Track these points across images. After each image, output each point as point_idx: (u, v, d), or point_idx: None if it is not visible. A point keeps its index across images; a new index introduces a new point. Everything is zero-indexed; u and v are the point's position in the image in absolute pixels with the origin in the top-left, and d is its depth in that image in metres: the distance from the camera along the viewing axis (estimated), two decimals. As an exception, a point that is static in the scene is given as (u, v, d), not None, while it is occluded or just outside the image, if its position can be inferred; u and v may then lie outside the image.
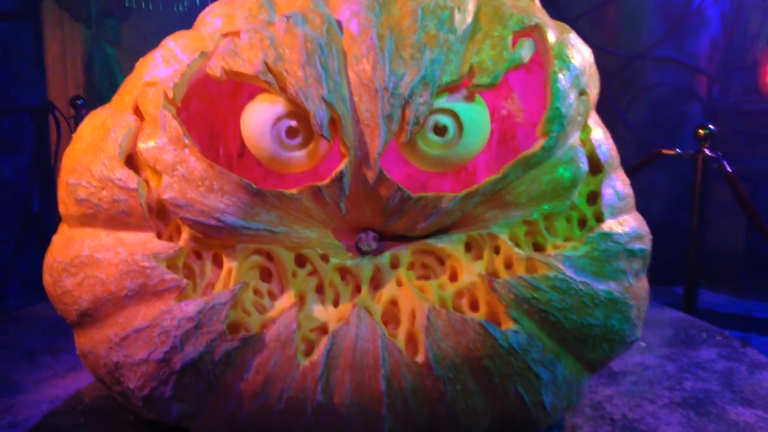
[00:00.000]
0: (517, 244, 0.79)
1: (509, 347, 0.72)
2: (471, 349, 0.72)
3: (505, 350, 0.72)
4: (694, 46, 2.82)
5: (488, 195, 0.77)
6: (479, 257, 0.79)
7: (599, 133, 0.85)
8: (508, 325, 0.73)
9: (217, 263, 0.77)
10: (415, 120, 0.74)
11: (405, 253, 0.79)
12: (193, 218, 0.74)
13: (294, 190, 0.75)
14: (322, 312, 0.76)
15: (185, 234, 0.76)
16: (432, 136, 0.77)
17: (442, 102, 0.76)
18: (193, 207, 0.74)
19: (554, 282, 0.74)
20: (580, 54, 0.82)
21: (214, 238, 0.75)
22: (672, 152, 1.70)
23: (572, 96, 0.78)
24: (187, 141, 0.75)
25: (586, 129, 0.83)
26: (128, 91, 0.82)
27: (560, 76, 0.78)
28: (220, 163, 0.93)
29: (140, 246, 0.74)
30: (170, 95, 0.76)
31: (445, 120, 0.77)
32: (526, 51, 0.77)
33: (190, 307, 0.71)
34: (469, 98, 0.77)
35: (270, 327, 0.73)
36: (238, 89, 0.90)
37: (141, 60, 0.85)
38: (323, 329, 0.76)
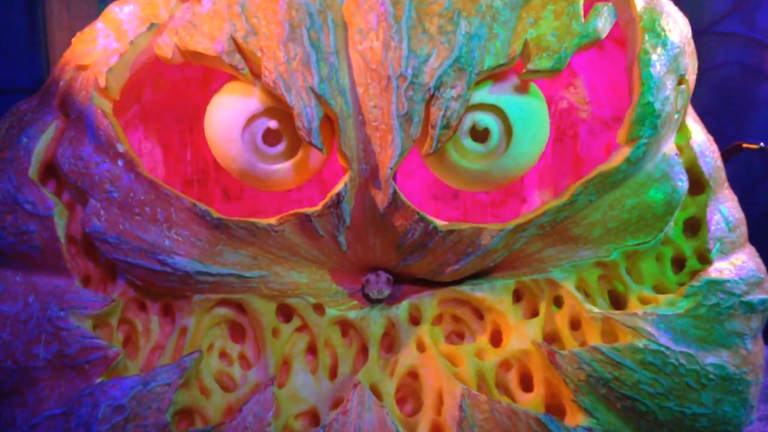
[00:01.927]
0: (588, 296, 0.56)
1: (579, 454, 0.50)
2: (523, 457, 0.50)
3: (572, 458, 0.50)
4: (765, 21, 2.52)
5: (547, 227, 0.54)
6: (533, 313, 0.57)
7: (700, 136, 0.61)
8: (578, 420, 0.51)
9: (170, 315, 0.56)
10: (445, 122, 0.51)
11: (429, 302, 0.57)
12: (127, 260, 0.52)
13: (272, 220, 0.53)
14: (312, 388, 0.55)
15: (124, 279, 0.55)
16: (468, 143, 0.54)
17: (484, 95, 0.53)
18: (129, 244, 0.52)
19: (645, 355, 0.52)
20: (677, 26, 0.58)
21: (160, 287, 0.54)
22: (755, 146, 1.45)
23: (669, 85, 0.55)
24: (121, 149, 0.53)
25: (683, 131, 0.60)
26: (56, 77, 0.61)
27: (653, 56, 0.54)
28: (191, 176, 0.71)
29: (56, 297, 0.53)
30: (102, 84, 0.54)
31: (486, 120, 0.54)
32: (603, 22, 0.54)
33: (121, 389, 0.50)
34: (522, 89, 0.55)
35: (236, 416, 0.51)
36: (210, 75, 0.67)
37: (78, 33, 0.63)
38: (312, 417, 0.54)
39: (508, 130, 0.54)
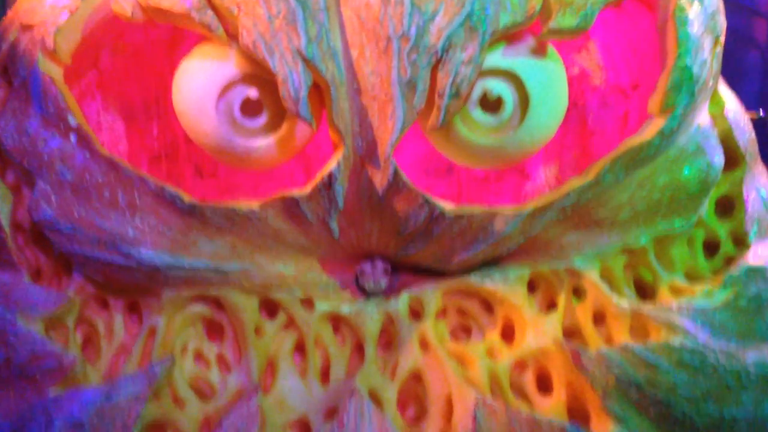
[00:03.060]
0: (612, 286, 0.50)
1: (609, 468, 0.44)
2: (546, 473, 0.44)
3: (602, 474, 0.44)
4: (753, -15, 2.47)
5: (569, 210, 0.48)
6: (551, 305, 0.50)
7: (733, 104, 0.55)
8: (607, 429, 0.45)
9: (136, 313, 0.49)
10: (454, 90, 0.44)
11: (433, 294, 0.50)
12: (84, 252, 0.45)
13: (254, 205, 0.46)
14: (301, 394, 0.48)
15: (81, 274, 0.47)
16: (478, 115, 0.47)
17: (497, 59, 0.46)
18: (85, 234, 0.45)
19: (682, 355, 0.45)
20: (711, -20, 0.51)
21: (123, 283, 0.47)
22: (753, 115, 1.39)
23: (706, 47, 0.48)
24: (74, 123, 0.45)
25: (716, 99, 0.53)
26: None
27: (689, 14, 0.47)
28: (159, 152, 0.63)
29: (1, 296, 0.45)
30: (50, 46, 0.46)
31: (500, 88, 0.47)
32: (632, -26, 0.47)
33: (79, 402, 0.43)
34: (539, 52, 0.48)
35: (216, 430, 0.44)
36: (179, 36, 0.59)
37: (26, -11, 0.55)
38: (303, 427, 0.47)
39: (523, 100, 0.48)
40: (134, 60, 0.59)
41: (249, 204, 0.46)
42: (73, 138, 0.45)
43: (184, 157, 0.66)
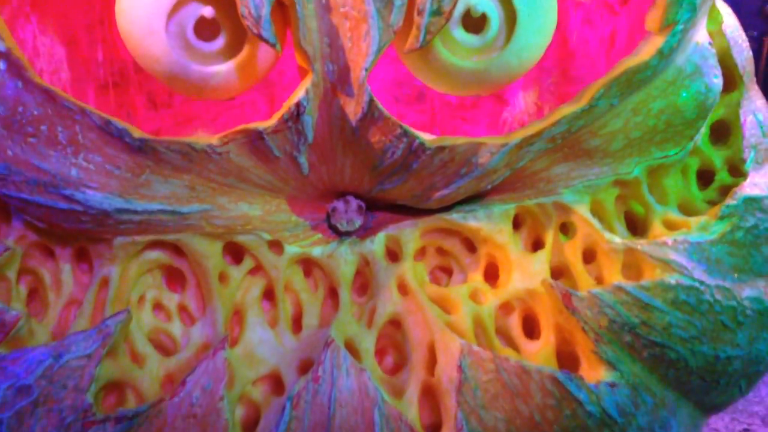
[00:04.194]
0: (603, 221, 0.46)
1: (602, 415, 0.42)
2: (537, 423, 0.41)
3: (595, 421, 0.41)
4: None
5: (559, 139, 0.44)
6: (537, 243, 0.47)
7: (731, 19, 0.51)
8: (599, 374, 0.42)
9: (86, 261, 0.44)
10: (435, 6, 0.39)
11: (411, 234, 0.47)
12: (21, 196, 0.40)
13: (213, 139, 0.41)
14: (272, 346, 0.44)
15: (21, 221, 0.42)
16: (460, 35, 0.43)
17: (481, -29, 0.41)
18: (22, 175, 0.39)
19: (678, 293, 0.43)
20: None
21: (69, 229, 0.42)
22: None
23: (708, -44, 0.44)
24: (3, 48, 0.40)
25: (714, 14, 0.49)
26: None
27: None
28: (106, 80, 0.58)
29: (-70, 248, 0.40)
30: (-32, -42, 0.40)
31: (485, 4, 0.42)
32: None
33: (26, 363, 0.39)
34: (527, -38, 0.43)
35: (179, 390, 0.40)
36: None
37: None
38: (275, 381, 0.44)
39: (510, 17, 0.43)
40: (72, -24, 0.53)
41: (207, 139, 0.41)
42: (2, 65, 0.39)
43: (135, 86, 0.60)
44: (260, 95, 0.64)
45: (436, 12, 0.39)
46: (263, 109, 0.61)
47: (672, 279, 0.43)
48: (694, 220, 0.45)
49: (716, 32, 0.48)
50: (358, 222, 0.46)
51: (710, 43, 0.46)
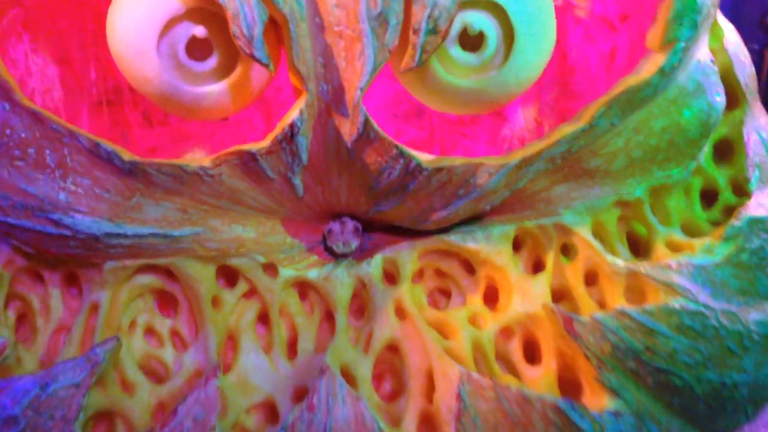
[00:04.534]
0: (605, 243, 0.45)
1: (605, 444, 0.40)
2: (539, 453, 0.40)
3: (598, 450, 0.40)
4: None
5: (559, 159, 0.43)
6: (538, 266, 0.46)
7: (733, 35, 0.50)
8: (602, 402, 0.41)
9: (76, 286, 0.43)
10: (431, 25, 0.38)
11: (409, 256, 0.46)
12: (8, 220, 0.39)
13: (205, 161, 0.40)
14: (266, 372, 0.43)
15: (8, 245, 0.41)
16: (457, 53, 0.42)
17: (478, -13, 0.41)
18: (9, 199, 0.39)
19: (682, 318, 0.41)
20: None
21: (58, 254, 0.41)
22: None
23: (710, -27, 0.43)
24: (-11, 70, 0.39)
25: (715, 30, 0.48)
26: None
27: (693, -66, 0.42)
28: (100, 98, 0.57)
29: None
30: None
31: (481, 22, 0.42)
32: None
33: (12, 393, 0.38)
34: (525, -21, 0.42)
35: (170, 419, 0.39)
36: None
37: None
38: (269, 410, 0.43)
39: (508, 35, 0.42)
40: (66, -6, 0.52)
41: (200, 161, 0.40)
42: (-12, 87, 0.39)
43: (129, 104, 0.60)
44: (257, 112, 0.63)
45: (432, 31, 0.39)
46: (260, 127, 0.60)
47: (676, 303, 0.42)
48: (698, 242, 0.44)
49: (718, 49, 0.48)
50: (354, 244, 0.45)
51: (712, 61, 0.46)
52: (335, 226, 0.45)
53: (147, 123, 0.61)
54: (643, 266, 0.43)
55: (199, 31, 0.40)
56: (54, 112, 0.52)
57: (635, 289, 0.43)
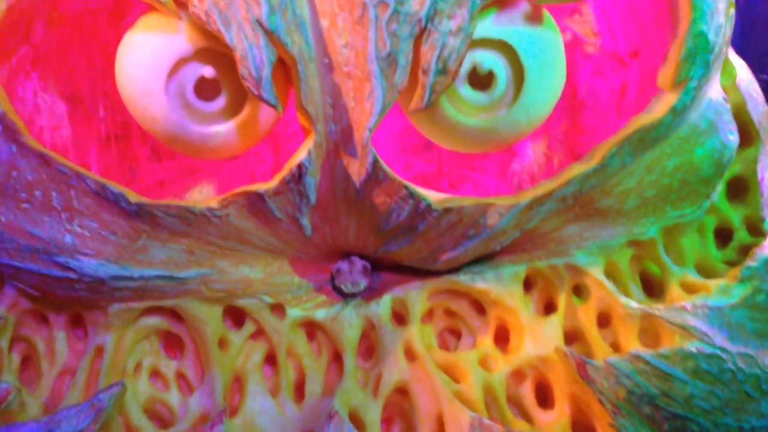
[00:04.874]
0: (618, 283, 0.44)
1: (621, 493, 0.39)
2: (552, 503, 0.39)
3: (613, 499, 0.39)
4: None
5: (570, 200, 0.42)
6: (550, 306, 0.45)
7: (745, 72, 0.49)
8: (618, 449, 0.40)
9: (81, 327, 0.43)
10: (441, 65, 0.38)
11: (418, 296, 0.45)
12: (14, 263, 0.38)
13: (213, 202, 0.40)
14: (273, 416, 0.42)
15: (13, 288, 0.41)
16: (467, 92, 0.42)
17: (487, 27, 0.40)
18: (14, 242, 0.38)
19: (699, 362, 0.41)
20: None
21: (63, 297, 0.40)
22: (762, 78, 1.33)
23: (722, 9, 0.43)
24: (-4, 111, 0.39)
25: (727, 67, 0.48)
26: None
27: (704, -27, 0.42)
28: (108, 132, 0.57)
29: None
30: (-36, 19, 0.39)
31: (491, 61, 0.41)
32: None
33: (14, 441, 0.37)
34: (534, 19, 0.42)
35: (174, 464, 0.39)
36: (124, 4, 0.52)
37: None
38: (276, 453, 0.42)
39: (517, 74, 0.42)
40: (74, 31, 0.52)
41: (206, 201, 0.40)
42: (-6, 128, 0.39)
43: (138, 138, 0.59)
44: (265, 145, 0.63)
45: (442, 71, 0.38)
46: (268, 160, 0.60)
47: (692, 346, 0.41)
48: (713, 283, 0.43)
49: (730, 87, 0.47)
50: (363, 283, 0.45)
51: (725, 99, 0.45)
52: (344, 266, 0.45)
53: (155, 157, 0.61)
54: (657, 308, 0.42)
55: (208, 71, 0.40)
56: (62, 148, 0.52)
57: (650, 331, 0.42)
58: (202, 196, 0.57)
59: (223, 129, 0.42)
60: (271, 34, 0.37)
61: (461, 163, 0.67)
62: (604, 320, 0.44)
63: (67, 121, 0.55)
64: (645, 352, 0.40)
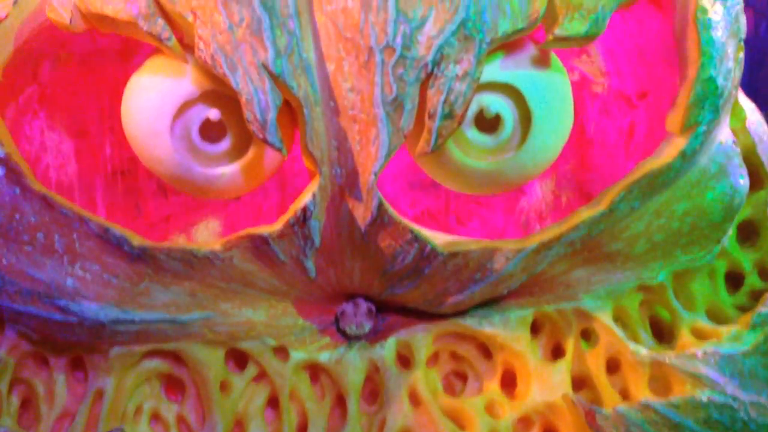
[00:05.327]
0: (627, 329, 0.44)
1: None
2: None
3: None
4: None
5: (578, 244, 0.42)
6: (557, 351, 0.44)
7: (755, 115, 0.49)
8: (627, 501, 0.39)
9: (81, 370, 0.42)
10: (447, 110, 0.38)
11: (423, 339, 0.44)
12: (14, 306, 0.38)
13: (216, 245, 0.40)
14: (275, 462, 0.42)
15: (14, 331, 0.41)
16: (474, 135, 0.41)
17: (494, 71, 0.40)
18: (15, 285, 0.38)
19: (710, 412, 0.40)
20: (731, -23, 0.45)
21: (63, 340, 0.40)
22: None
23: (731, 54, 0.43)
24: (2, 153, 0.39)
25: (737, 110, 0.47)
26: None
27: (713, 16, 0.41)
28: (115, 168, 0.57)
29: None
30: (-28, 61, 0.39)
31: (498, 104, 0.41)
32: (647, -28, 0.41)
33: (10, 488, 0.36)
34: (542, 62, 0.42)
35: None
36: (132, 44, 0.52)
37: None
38: (277, 502, 0.41)
39: (524, 117, 0.42)
40: (81, 71, 0.52)
41: (210, 245, 0.39)
42: (0, 172, 0.38)
43: (144, 173, 0.59)
44: (272, 182, 0.63)
45: (448, 116, 0.38)
46: (274, 196, 0.59)
47: (704, 396, 0.40)
48: (724, 330, 0.43)
49: (740, 129, 0.47)
50: (367, 326, 0.44)
51: (734, 142, 0.45)
52: (348, 308, 0.44)
53: (161, 192, 0.61)
54: (668, 356, 0.41)
55: (213, 114, 0.40)
56: (68, 186, 0.52)
57: (660, 379, 0.42)
58: (209, 231, 0.57)
59: (228, 171, 0.41)
60: (276, 78, 0.37)
61: (468, 200, 0.66)
62: (613, 366, 0.43)
63: (73, 159, 0.55)
64: (655, 401, 0.40)
